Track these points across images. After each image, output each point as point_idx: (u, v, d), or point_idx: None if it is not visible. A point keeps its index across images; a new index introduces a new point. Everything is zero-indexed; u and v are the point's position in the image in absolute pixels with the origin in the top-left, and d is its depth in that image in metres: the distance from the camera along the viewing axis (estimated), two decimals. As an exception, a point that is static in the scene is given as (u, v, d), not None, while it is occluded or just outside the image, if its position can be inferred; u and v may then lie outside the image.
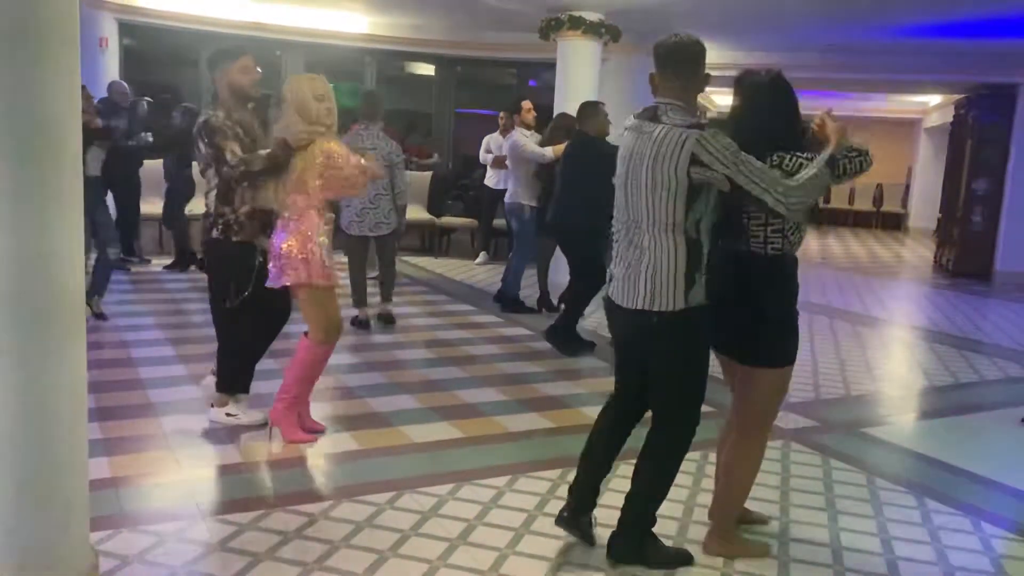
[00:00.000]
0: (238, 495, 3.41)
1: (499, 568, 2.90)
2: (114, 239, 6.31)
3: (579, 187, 5.88)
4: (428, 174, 10.91)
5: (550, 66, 9.13)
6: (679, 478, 3.00)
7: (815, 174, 2.73)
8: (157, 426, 4.09)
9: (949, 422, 5.03)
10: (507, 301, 7.33)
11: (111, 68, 9.72)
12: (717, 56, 2.98)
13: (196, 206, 7.40)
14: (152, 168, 8.60)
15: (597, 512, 3.08)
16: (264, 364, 4.31)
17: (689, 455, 3.02)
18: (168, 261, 8.51)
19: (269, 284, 3.87)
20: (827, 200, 17.40)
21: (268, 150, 3.84)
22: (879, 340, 7.27)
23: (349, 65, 11.73)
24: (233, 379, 4.15)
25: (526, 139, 7.25)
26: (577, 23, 8.36)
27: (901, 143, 19.08)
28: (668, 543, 3.06)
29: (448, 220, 10.63)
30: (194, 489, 3.47)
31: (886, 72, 11.47)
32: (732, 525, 3.14)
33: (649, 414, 2.99)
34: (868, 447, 4.41)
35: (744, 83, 2.99)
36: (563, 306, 6.43)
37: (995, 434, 4.82)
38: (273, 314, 4.10)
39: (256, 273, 3.94)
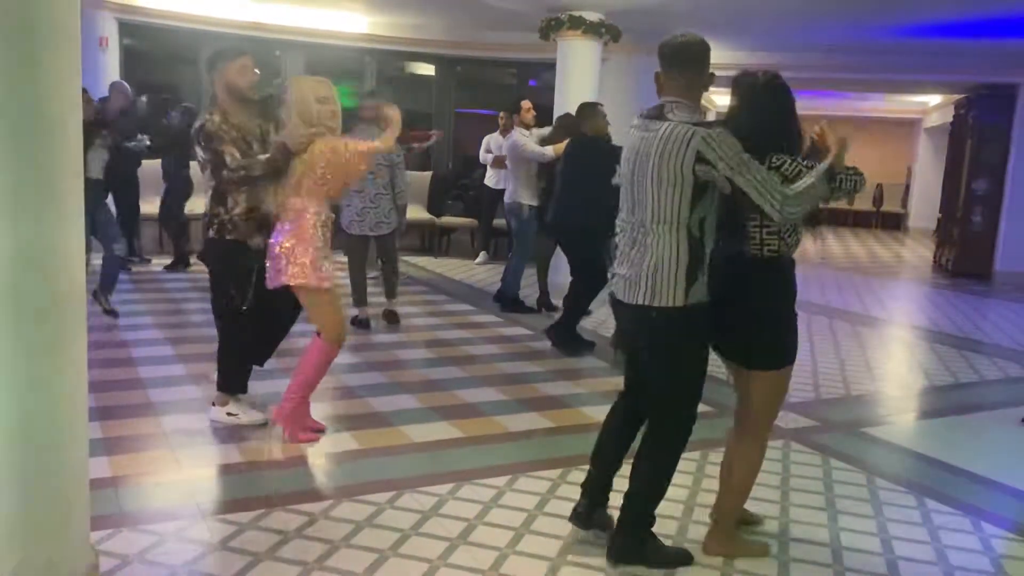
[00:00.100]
0: (238, 495, 3.41)
1: (499, 568, 2.90)
2: (117, 236, 6.29)
3: (579, 187, 5.88)
4: (428, 174, 10.93)
5: (550, 66, 9.14)
6: (679, 478, 3.00)
7: (812, 184, 2.74)
8: (157, 426, 4.09)
9: (949, 422, 5.03)
10: (507, 301, 7.33)
11: (111, 68, 9.71)
12: (717, 56, 2.98)
13: (196, 205, 7.41)
14: (151, 167, 8.60)
15: (597, 512, 3.09)
16: (265, 363, 4.31)
17: (689, 455, 3.03)
18: (168, 261, 8.51)
19: (268, 285, 3.87)
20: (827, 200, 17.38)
21: (268, 155, 3.83)
22: (879, 340, 7.27)
23: (349, 65, 11.72)
24: (233, 378, 4.15)
25: (526, 139, 7.24)
26: (577, 23, 8.35)
27: (901, 143, 19.11)
28: (668, 543, 3.06)
29: (448, 220, 10.65)
30: (194, 488, 3.47)
31: (886, 72, 11.49)
32: (732, 525, 3.14)
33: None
34: (868, 447, 4.41)
35: (741, 84, 2.99)
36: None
37: (995, 434, 4.82)
38: (276, 315, 4.09)
39: (257, 274, 3.95)
